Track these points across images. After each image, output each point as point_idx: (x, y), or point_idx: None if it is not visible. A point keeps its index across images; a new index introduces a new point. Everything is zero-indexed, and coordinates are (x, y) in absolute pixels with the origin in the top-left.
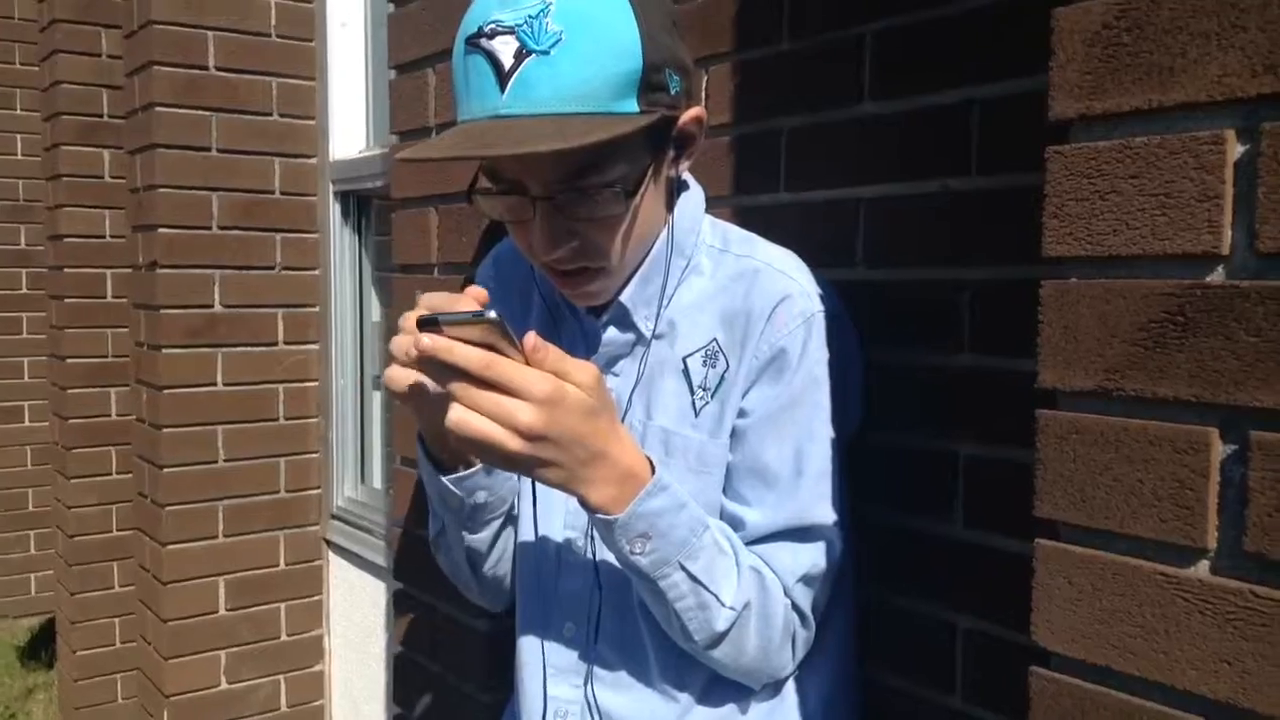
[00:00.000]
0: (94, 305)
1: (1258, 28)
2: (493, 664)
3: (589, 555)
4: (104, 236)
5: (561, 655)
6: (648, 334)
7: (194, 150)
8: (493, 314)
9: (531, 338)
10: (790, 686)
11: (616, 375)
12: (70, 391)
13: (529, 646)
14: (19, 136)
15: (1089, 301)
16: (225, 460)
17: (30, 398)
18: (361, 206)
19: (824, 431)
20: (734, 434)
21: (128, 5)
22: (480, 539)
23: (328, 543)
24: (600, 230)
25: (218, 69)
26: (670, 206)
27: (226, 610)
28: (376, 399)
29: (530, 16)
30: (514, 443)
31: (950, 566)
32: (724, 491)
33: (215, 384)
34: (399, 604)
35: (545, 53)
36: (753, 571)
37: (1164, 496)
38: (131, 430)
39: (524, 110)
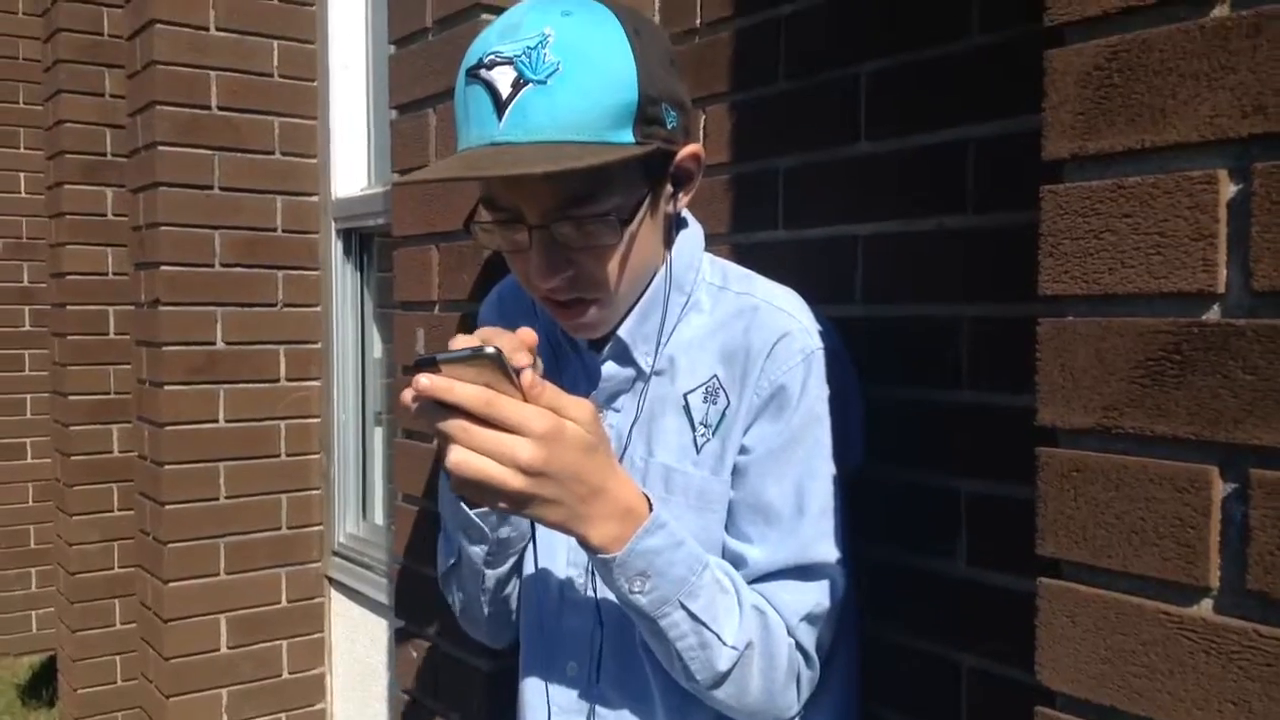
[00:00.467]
0: (96, 342)
1: (1247, 68)
2: (495, 703)
3: (590, 594)
4: (106, 274)
5: (564, 695)
6: (647, 369)
7: (196, 189)
8: (490, 349)
9: (528, 373)
10: None
11: (617, 411)
12: (72, 428)
13: (532, 685)
14: (22, 175)
15: (1086, 340)
16: (227, 497)
17: (32, 434)
18: (363, 244)
19: (825, 468)
20: (735, 471)
21: (131, 46)
22: (499, 574)
23: (329, 580)
24: (596, 260)
25: (220, 109)
26: (669, 243)
27: (228, 648)
28: (378, 435)
29: (529, 48)
30: (515, 480)
31: (954, 604)
32: (726, 529)
33: (217, 420)
34: (401, 642)
35: (542, 82)
36: (755, 610)
37: (1165, 535)
38: (133, 467)
39: (520, 138)
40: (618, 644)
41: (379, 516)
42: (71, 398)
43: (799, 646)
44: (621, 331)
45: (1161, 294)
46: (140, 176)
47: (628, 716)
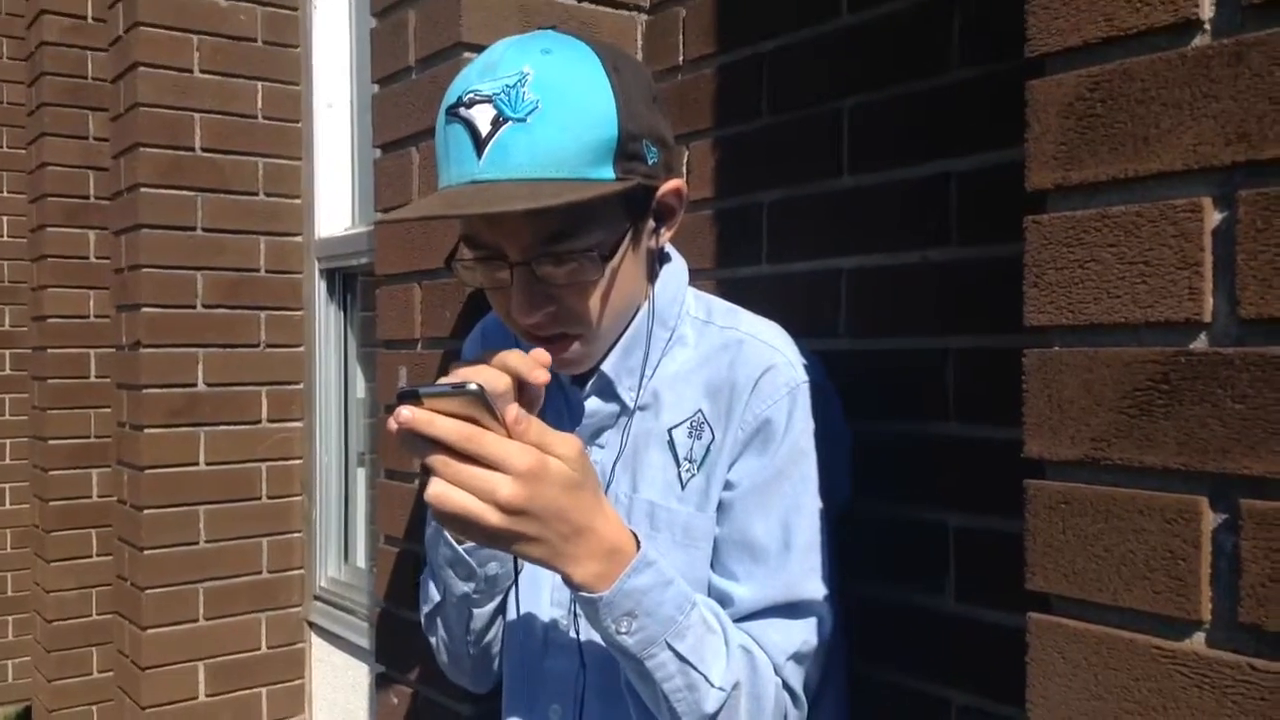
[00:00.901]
0: (77, 386)
1: (1230, 96)
2: None
3: (573, 634)
4: (88, 316)
5: None
6: (631, 405)
7: (179, 230)
8: (474, 386)
9: (513, 410)
10: None
11: (601, 447)
12: (52, 473)
13: None
14: (4, 218)
15: (1073, 370)
16: (206, 541)
17: (11, 480)
18: (347, 283)
19: (811, 504)
20: (720, 507)
21: (115, 89)
22: (485, 612)
23: (310, 624)
24: (577, 295)
25: (204, 150)
26: (652, 278)
27: (206, 696)
28: (361, 476)
29: (508, 86)
30: (494, 517)
31: (943, 640)
32: (711, 566)
33: (198, 463)
34: (381, 687)
35: (522, 120)
36: (742, 650)
37: (1156, 567)
38: (112, 512)
39: (499, 175)
40: (601, 685)
41: (361, 559)
42: (51, 442)
43: (786, 686)
44: (605, 366)
45: (1148, 323)
46: (123, 218)
47: None
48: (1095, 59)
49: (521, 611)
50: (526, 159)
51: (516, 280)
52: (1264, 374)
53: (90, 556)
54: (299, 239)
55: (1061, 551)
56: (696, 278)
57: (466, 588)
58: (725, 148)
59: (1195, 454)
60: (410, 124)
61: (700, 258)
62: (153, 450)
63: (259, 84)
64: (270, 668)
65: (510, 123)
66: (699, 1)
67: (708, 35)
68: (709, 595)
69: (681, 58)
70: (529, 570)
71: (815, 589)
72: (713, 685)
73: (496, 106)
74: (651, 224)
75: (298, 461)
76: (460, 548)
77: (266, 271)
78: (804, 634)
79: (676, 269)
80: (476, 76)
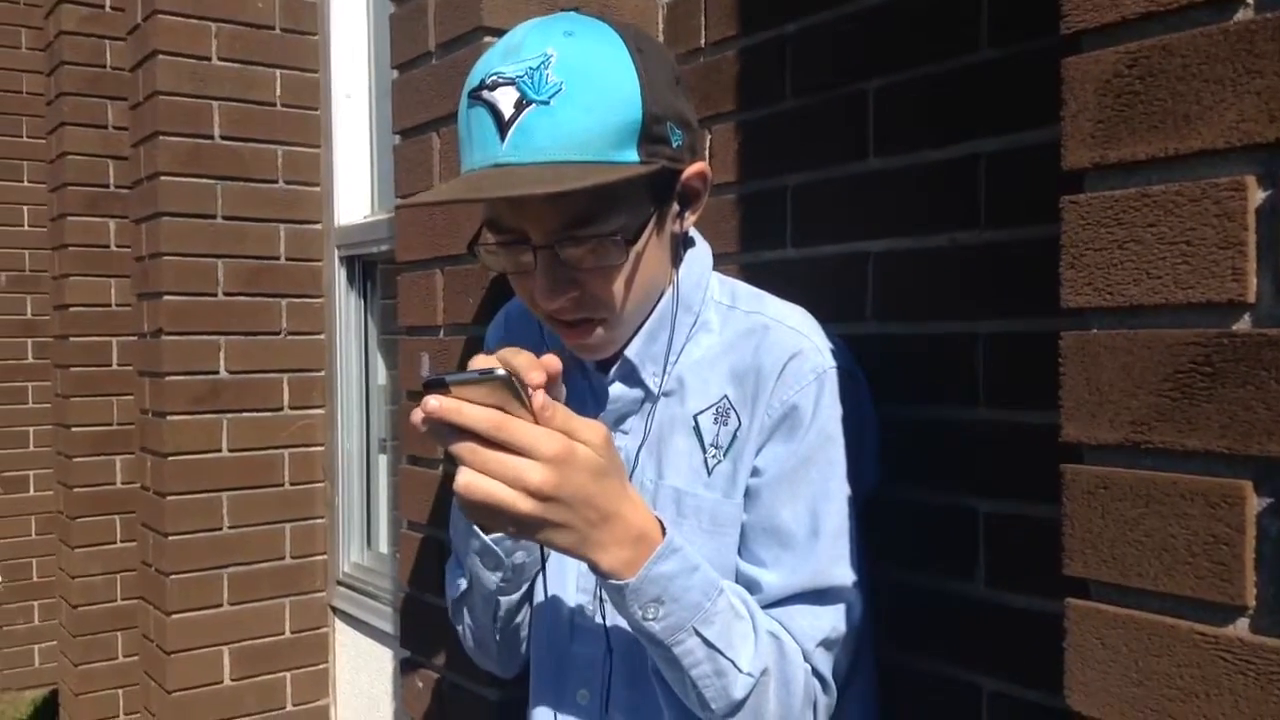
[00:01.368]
0: (99, 373)
1: (1274, 72)
2: None
3: (600, 620)
4: (110, 305)
5: None
6: (656, 390)
7: (199, 218)
8: (501, 371)
9: (540, 396)
10: None
11: (625, 433)
12: (75, 460)
13: (542, 714)
14: (25, 208)
15: (1112, 353)
16: (230, 527)
17: (36, 467)
18: (367, 271)
19: (839, 489)
20: (747, 493)
21: (133, 77)
22: (512, 600)
23: (334, 609)
24: (601, 280)
25: (223, 138)
26: (676, 263)
27: (231, 680)
28: (383, 463)
29: (531, 68)
30: (524, 504)
31: (974, 627)
32: (739, 553)
33: (220, 450)
34: (406, 672)
35: (545, 102)
36: (771, 636)
37: (1198, 552)
38: (136, 498)
39: (523, 158)
40: (628, 671)
41: (384, 545)
42: (74, 429)
43: (815, 672)
44: (629, 352)
45: (1189, 305)
46: (143, 207)
47: None
48: (1134, 35)
49: (548, 597)
50: (550, 141)
51: (540, 264)
52: None
53: (114, 542)
54: (319, 227)
55: (1101, 536)
56: (721, 262)
57: (494, 577)
58: (748, 131)
59: (1239, 437)
60: (430, 110)
61: (724, 242)
62: (175, 437)
63: (277, 71)
64: (294, 652)
65: (534, 105)
66: None
67: (730, 17)
68: (737, 582)
69: (704, 40)
70: (555, 556)
71: (844, 575)
72: (741, 671)
73: (520, 89)
74: (675, 208)
75: (320, 448)
76: (488, 537)
77: (287, 259)
78: (833, 620)
79: (701, 253)
80: (499, 59)
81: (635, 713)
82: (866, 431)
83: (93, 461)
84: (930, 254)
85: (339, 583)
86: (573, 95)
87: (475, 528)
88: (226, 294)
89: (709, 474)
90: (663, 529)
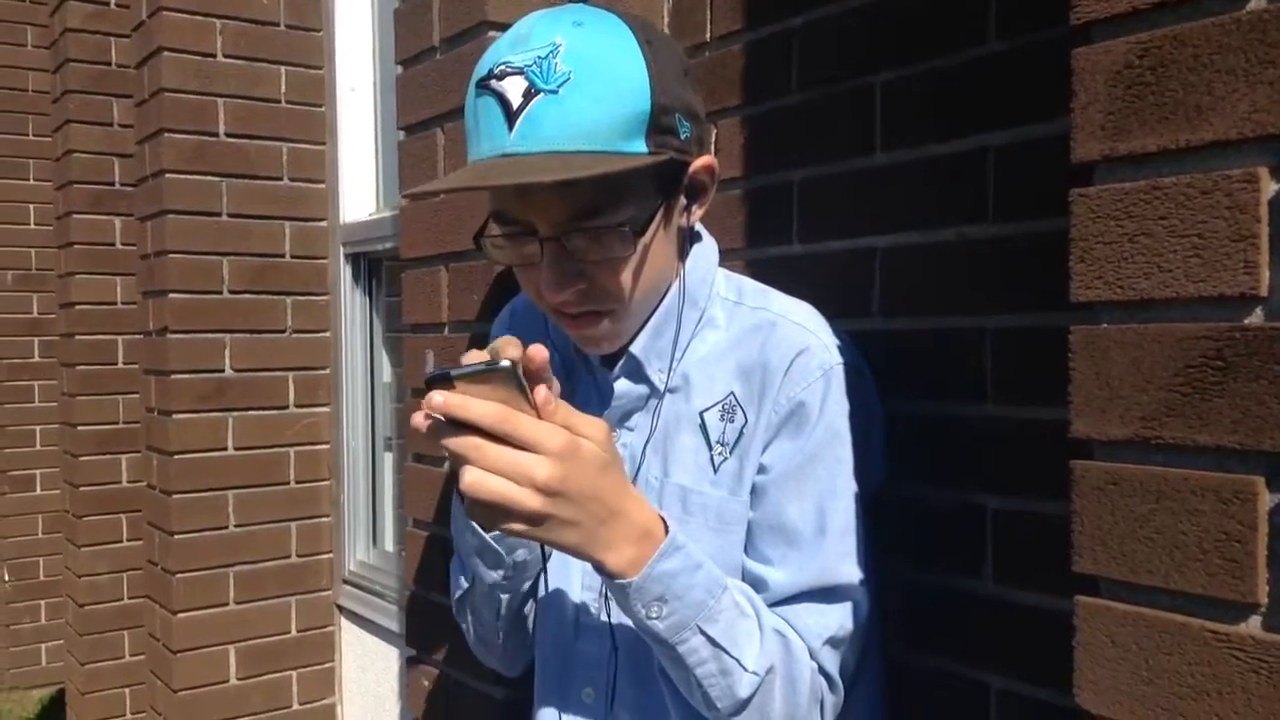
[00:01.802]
0: (105, 372)
1: None
2: None
3: (605, 618)
4: (115, 303)
5: None
6: (661, 387)
7: (204, 215)
8: (505, 363)
9: (543, 391)
10: None
11: (630, 430)
12: (81, 459)
13: (547, 713)
14: (31, 206)
15: (1122, 347)
16: (236, 525)
17: (42, 466)
18: (372, 268)
19: (846, 487)
20: (754, 491)
21: (138, 74)
22: (515, 597)
23: (340, 608)
24: (608, 272)
25: (228, 135)
26: (682, 257)
27: (237, 679)
28: (388, 460)
29: (540, 58)
30: (532, 500)
31: (982, 624)
32: (745, 551)
33: (226, 448)
34: (412, 671)
35: (554, 92)
36: (776, 634)
37: (1210, 549)
38: (142, 497)
39: (531, 148)
40: (633, 668)
41: (389, 543)
42: (80, 428)
43: (822, 671)
44: (634, 348)
45: (1201, 298)
46: (148, 205)
47: None
48: (1144, 25)
49: (553, 595)
50: (558, 131)
51: (546, 256)
52: None
53: (121, 541)
54: (324, 224)
55: (1110, 533)
56: (727, 258)
57: (495, 575)
58: (754, 125)
59: (1251, 432)
60: (435, 105)
61: (730, 237)
62: (181, 435)
63: (282, 68)
64: (300, 651)
65: (542, 94)
66: None
67: (735, 10)
68: (743, 580)
69: (709, 34)
70: (560, 553)
71: (851, 573)
72: (746, 669)
73: (528, 78)
74: (683, 201)
75: (325, 446)
76: (488, 535)
77: (292, 257)
78: (840, 618)
79: (707, 249)
80: (507, 48)
81: (641, 711)
82: (873, 428)
83: (99, 460)
84: (937, 249)
85: (345, 581)
86: (581, 85)
87: (476, 528)
88: (231, 292)
89: (715, 471)
90: (665, 526)
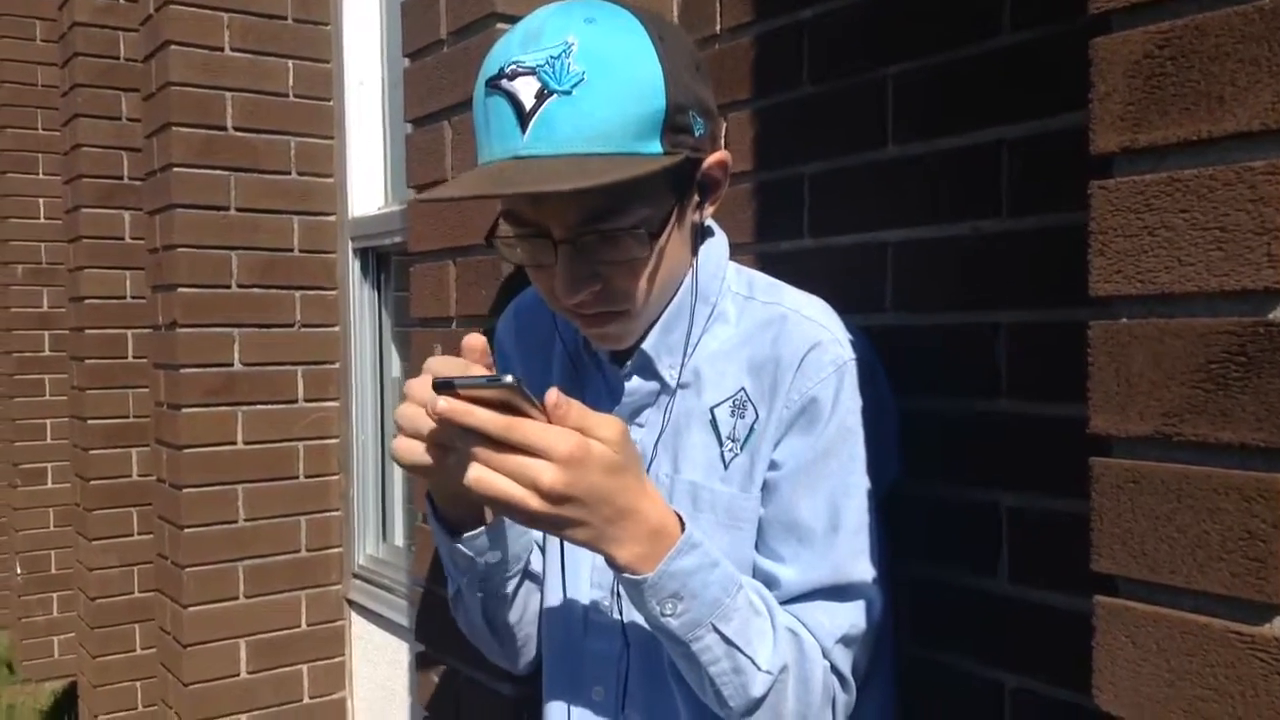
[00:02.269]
0: (115, 366)
1: None
2: None
3: (616, 616)
4: (124, 297)
5: None
6: (672, 383)
7: (213, 210)
8: (509, 379)
9: (553, 394)
10: None
11: (641, 426)
12: (92, 453)
13: (557, 711)
14: (40, 200)
15: (1142, 342)
16: (245, 520)
17: (53, 459)
18: (380, 263)
19: (859, 484)
20: (765, 487)
21: (146, 68)
22: (497, 599)
23: (350, 603)
24: (623, 273)
25: (236, 129)
26: (694, 252)
27: (248, 673)
28: None
29: (552, 57)
30: (535, 503)
31: (996, 623)
32: (756, 548)
33: (235, 443)
34: (422, 666)
35: (567, 93)
36: (790, 633)
37: (1233, 548)
38: (152, 491)
39: (545, 150)
40: (645, 667)
41: (399, 538)
42: (90, 422)
43: (834, 669)
44: (645, 345)
45: (1223, 292)
46: (156, 199)
47: None
48: (1165, 14)
49: (562, 592)
50: (573, 133)
51: (561, 259)
52: None
53: (131, 535)
54: (332, 218)
55: (1130, 532)
56: (737, 252)
57: (470, 578)
58: (765, 119)
59: (1276, 429)
60: (442, 98)
61: (741, 232)
62: (190, 429)
63: (290, 62)
64: (311, 645)
65: (555, 95)
66: None
67: (746, 2)
68: (754, 577)
69: (719, 26)
70: (569, 551)
71: (863, 571)
72: (759, 668)
73: (541, 79)
74: (696, 198)
75: (334, 440)
76: (455, 541)
77: (300, 251)
78: (852, 616)
79: (718, 243)
80: (518, 46)
81: (652, 710)
82: (886, 424)
83: (109, 454)
84: (951, 243)
85: (355, 575)
86: (595, 85)
87: (446, 534)
88: (240, 286)
89: (726, 468)
90: (682, 524)
